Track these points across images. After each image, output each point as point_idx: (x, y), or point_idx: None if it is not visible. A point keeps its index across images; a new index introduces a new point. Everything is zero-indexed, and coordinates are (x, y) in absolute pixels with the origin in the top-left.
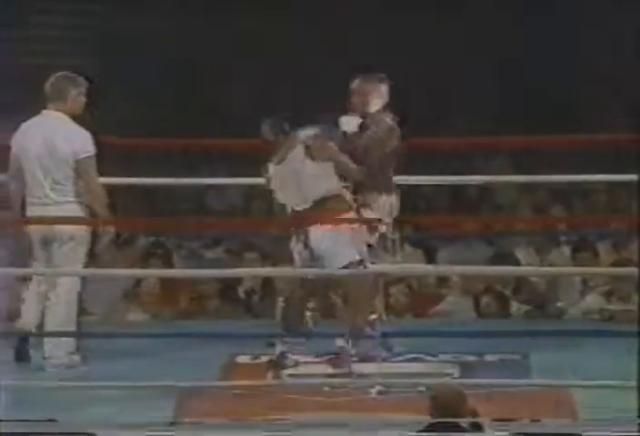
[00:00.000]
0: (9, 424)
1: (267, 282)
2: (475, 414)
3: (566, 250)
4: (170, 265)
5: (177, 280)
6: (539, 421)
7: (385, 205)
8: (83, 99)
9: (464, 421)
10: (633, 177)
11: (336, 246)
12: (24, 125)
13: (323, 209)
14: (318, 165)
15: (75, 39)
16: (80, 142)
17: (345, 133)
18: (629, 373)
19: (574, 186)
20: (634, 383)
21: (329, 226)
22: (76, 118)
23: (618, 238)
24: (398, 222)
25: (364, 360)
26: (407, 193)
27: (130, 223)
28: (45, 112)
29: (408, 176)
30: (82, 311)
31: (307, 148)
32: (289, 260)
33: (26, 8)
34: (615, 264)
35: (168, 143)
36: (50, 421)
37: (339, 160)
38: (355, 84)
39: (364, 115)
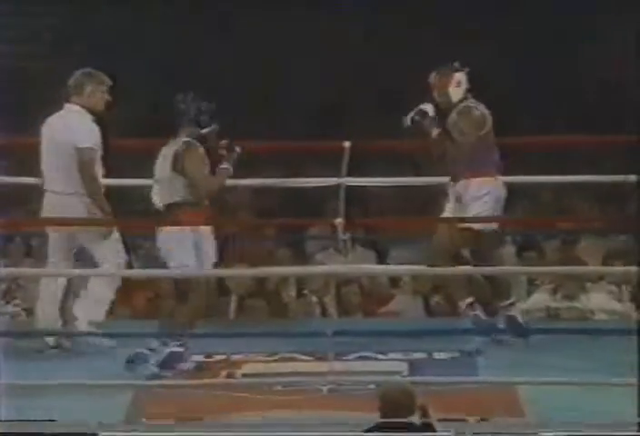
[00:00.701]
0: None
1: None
2: (424, 412)
3: (511, 249)
4: (128, 265)
5: (134, 280)
6: (487, 420)
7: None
8: (102, 95)
9: (412, 420)
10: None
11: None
12: (47, 119)
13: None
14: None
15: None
16: (81, 133)
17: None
18: (579, 370)
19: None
20: (582, 380)
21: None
22: (97, 114)
23: (566, 237)
24: (349, 224)
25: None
26: (359, 194)
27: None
28: (65, 106)
29: (359, 178)
30: None
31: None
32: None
33: None
34: (562, 263)
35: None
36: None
37: (194, 173)
38: (432, 78)
39: (448, 107)
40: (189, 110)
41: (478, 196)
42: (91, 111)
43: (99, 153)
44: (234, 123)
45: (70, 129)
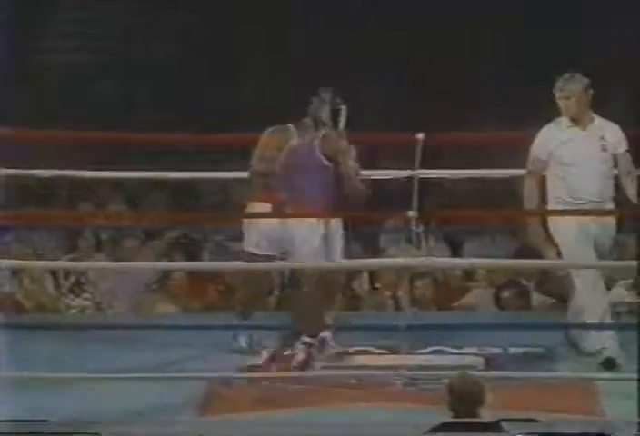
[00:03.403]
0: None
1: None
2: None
3: None
4: (197, 258)
5: (205, 272)
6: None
7: None
8: None
9: (479, 419)
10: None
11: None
12: None
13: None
14: None
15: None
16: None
17: None
18: None
19: None
20: None
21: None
22: None
23: None
24: (423, 216)
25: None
26: (432, 187)
27: (157, 217)
28: None
29: (434, 170)
30: None
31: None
32: None
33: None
34: None
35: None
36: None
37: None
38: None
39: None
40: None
41: None
42: None
43: None
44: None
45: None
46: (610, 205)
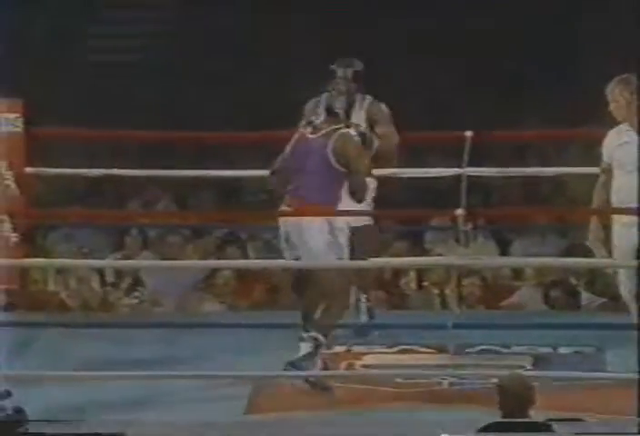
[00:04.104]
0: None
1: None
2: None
3: None
4: (244, 256)
5: (252, 271)
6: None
7: None
8: None
9: (529, 419)
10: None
11: None
12: None
13: None
14: None
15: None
16: None
17: None
18: None
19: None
20: None
21: None
22: None
23: None
24: (471, 214)
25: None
26: (480, 185)
27: (203, 216)
28: None
29: (482, 168)
30: None
31: None
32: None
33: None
34: None
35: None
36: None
37: None
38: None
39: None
40: None
41: None
42: None
43: None
44: None
45: None
46: None
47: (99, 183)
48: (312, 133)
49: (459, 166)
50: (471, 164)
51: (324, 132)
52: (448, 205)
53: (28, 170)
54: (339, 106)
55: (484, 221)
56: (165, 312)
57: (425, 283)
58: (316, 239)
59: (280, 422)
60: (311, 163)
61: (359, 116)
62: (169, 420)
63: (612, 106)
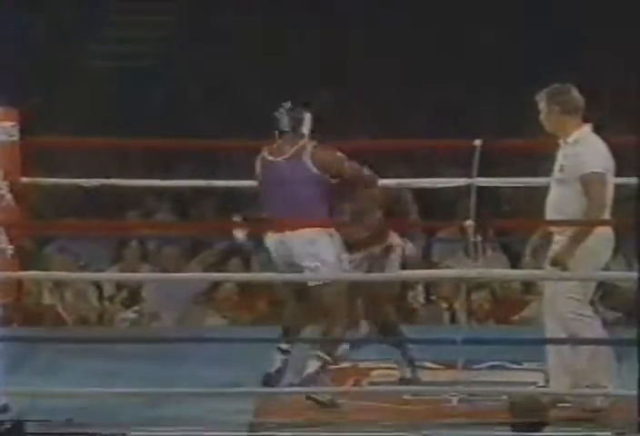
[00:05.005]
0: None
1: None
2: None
3: None
4: (248, 269)
5: (256, 284)
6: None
7: None
8: None
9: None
10: None
11: None
12: None
13: None
14: None
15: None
16: None
17: None
18: None
19: None
20: None
21: None
22: None
23: None
24: (480, 226)
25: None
26: (490, 196)
27: (204, 227)
28: None
29: (491, 178)
30: None
31: None
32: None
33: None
34: None
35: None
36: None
37: None
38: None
39: None
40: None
41: None
42: None
43: None
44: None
45: None
46: None
47: (97, 194)
48: (276, 157)
49: (468, 176)
50: (481, 174)
51: (291, 153)
52: (457, 216)
53: (24, 180)
54: (286, 125)
55: (493, 232)
56: (164, 326)
57: (434, 297)
58: (325, 252)
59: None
60: (287, 187)
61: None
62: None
63: (541, 117)
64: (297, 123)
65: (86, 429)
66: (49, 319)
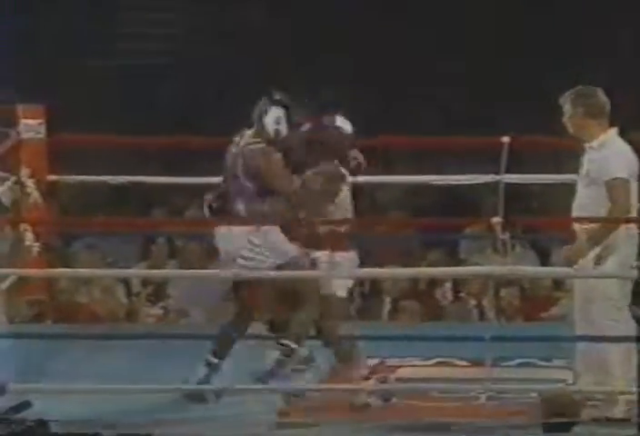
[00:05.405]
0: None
1: (375, 283)
2: None
3: None
4: None
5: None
6: None
7: None
8: None
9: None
10: None
11: None
12: None
13: None
14: None
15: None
16: None
17: None
18: None
19: None
20: None
21: None
22: None
23: None
24: (508, 223)
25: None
26: (519, 193)
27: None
28: None
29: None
30: None
31: None
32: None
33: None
34: None
35: None
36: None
37: None
38: None
39: None
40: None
41: None
42: None
43: None
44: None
45: None
46: None
47: (124, 191)
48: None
49: (496, 173)
50: (508, 171)
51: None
52: (485, 213)
53: (51, 177)
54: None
55: (522, 229)
56: (192, 323)
57: (462, 294)
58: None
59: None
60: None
61: None
62: (199, 432)
63: (565, 118)
64: (260, 115)
65: (114, 429)
66: (83, 316)
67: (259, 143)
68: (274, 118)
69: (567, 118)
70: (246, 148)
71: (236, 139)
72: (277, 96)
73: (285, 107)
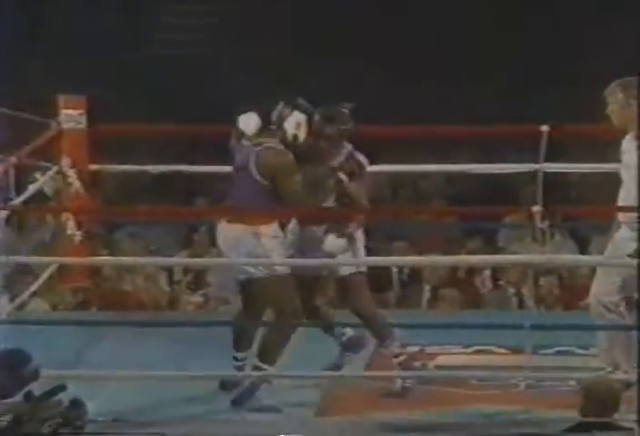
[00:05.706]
0: None
1: (415, 271)
2: None
3: None
4: None
5: None
6: None
7: None
8: None
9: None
10: None
11: None
12: None
13: None
14: None
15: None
16: None
17: None
18: None
19: None
20: None
21: None
22: None
23: None
24: (548, 212)
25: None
26: (557, 182)
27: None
28: None
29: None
30: None
31: None
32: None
33: None
34: None
35: None
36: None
37: None
38: None
39: None
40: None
41: None
42: None
43: None
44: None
45: None
46: None
47: (167, 180)
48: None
49: (535, 162)
50: (548, 160)
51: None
52: (524, 202)
53: (92, 167)
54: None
55: (561, 218)
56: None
57: (501, 282)
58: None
59: (352, 425)
60: (237, 175)
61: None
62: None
63: (609, 109)
64: (280, 118)
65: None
66: (127, 303)
67: (275, 143)
68: (294, 123)
69: (617, 108)
70: (264, 146)
71: (241, 130)
72: (300, 101)
73: (307, 113)
